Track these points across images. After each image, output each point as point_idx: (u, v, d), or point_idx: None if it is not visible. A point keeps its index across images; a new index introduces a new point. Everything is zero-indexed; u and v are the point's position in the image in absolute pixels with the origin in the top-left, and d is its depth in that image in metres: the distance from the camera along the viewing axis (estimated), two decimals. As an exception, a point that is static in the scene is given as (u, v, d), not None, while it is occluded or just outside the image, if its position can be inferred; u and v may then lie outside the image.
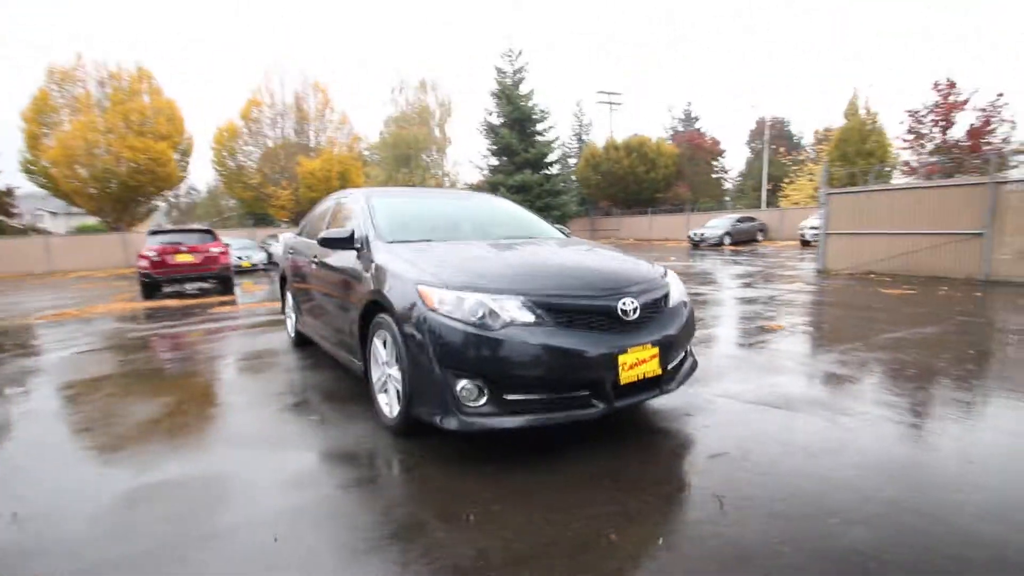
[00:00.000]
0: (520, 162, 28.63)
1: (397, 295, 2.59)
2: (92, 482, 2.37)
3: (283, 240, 5.53)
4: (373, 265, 3.00)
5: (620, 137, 31.19)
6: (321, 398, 3.49)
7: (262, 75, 26.03)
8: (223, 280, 11.39)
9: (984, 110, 15.46)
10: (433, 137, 42.43)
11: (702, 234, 21.83)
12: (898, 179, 18.35)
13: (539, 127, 29.76)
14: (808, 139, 46.03)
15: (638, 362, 2.47)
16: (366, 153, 38.68)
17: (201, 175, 59.89)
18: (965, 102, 15.78)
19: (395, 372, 2.71)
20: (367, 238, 3.25)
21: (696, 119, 50.55)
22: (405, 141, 40.53)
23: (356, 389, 3.61)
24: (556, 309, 2.39)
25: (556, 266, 2.79)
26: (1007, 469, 2.29)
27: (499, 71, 29.37)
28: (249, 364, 4.57)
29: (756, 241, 23.07)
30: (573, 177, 31.87)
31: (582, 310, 2.44)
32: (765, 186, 30.68)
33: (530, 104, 28.92)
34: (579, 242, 3.74)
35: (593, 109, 78.22)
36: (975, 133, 15.52)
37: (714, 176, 37.43)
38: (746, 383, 3.54)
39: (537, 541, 1.82)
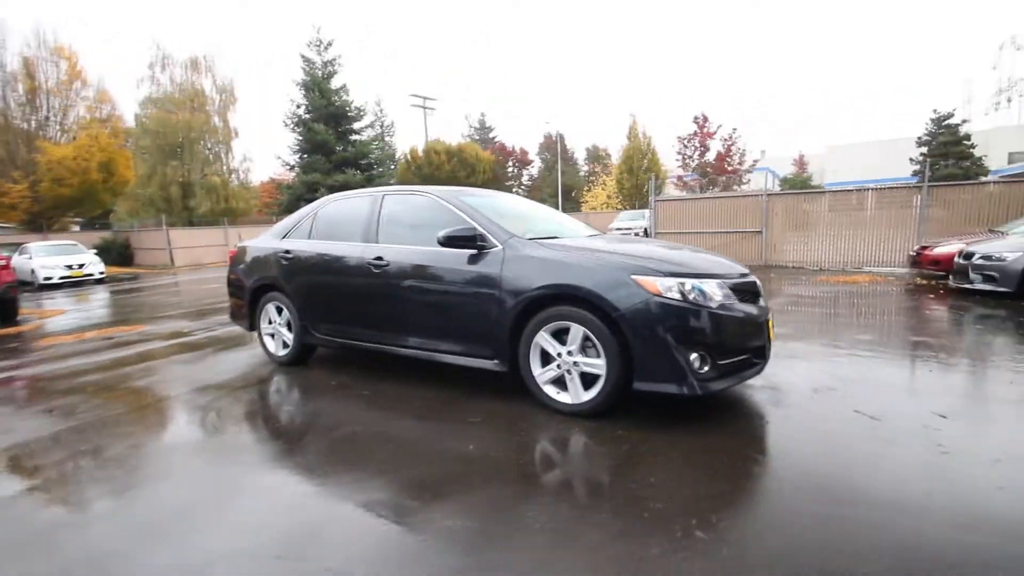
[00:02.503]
0: (338, 161, 27.06)
1: (606, 286, 2.82)
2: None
3: (261, 246, 4.68)
4: (525, 261, 3.10)
5: (421, 142, 31.62)
6: (441, 404, 3.34)
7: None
8: (4, 304, 8.39)
9: (726, 140, 21.12)
10: (213, 126, 36.50)
11: (527, 235, 24.07)
12: (670, 190, 23.24)
13: (355, 125, 28.54)
14: (580, 154, 54.12)
15: (771, 326, 3.22)
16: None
17: None
18: (714, 133, 21.29)
19: (584, 359, 2.93)
20: (491, 236, 3.30)
21: (490, 128, 54.53)
22: (174, 128, 33.91)
23: (465, 388, 3.53)
24: (734, 287, 2.97)
25: (701, 255, 3.34)
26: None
27: (306, 60, 27.14)
28: (295, 388, 3.90)
29: (567, 240, 26.41)
30: (392, 181, 31.36)
31: (745, 288, 3.07)
32: (560, 193, 35.11)
33: (345, 99, 27.51)
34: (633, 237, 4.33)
35: (395, 111, 77.59)
36: (721, 157, 21.04)
37: (521, 183, 41.12)
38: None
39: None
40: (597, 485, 2.27)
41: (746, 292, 3.09)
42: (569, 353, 2.97)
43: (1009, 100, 27.67)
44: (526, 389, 3.18)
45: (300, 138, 27.60)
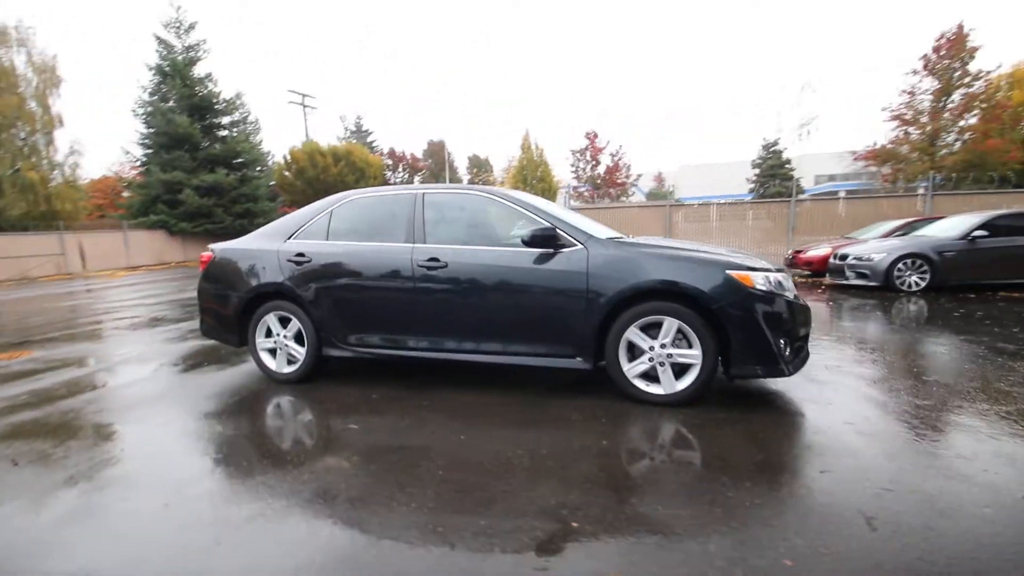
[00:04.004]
0: (205, 158, 24.06)
1: (706, 281, 3.01)
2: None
3: (256, 248, 4.06)
4: (615, 260, 3.19)
5: (291, 144, 29.20)
6: (520, 408, 3.26)
7: None
8: None
9: (614, 155, 23.06)
10: (28, 111, 29.90)
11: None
12: (560, 200, 24.62)
13: (224, 120, 25.63)
14: (461, 162, 54.67)
15: (804, 315, 3.70)
16: None
17: None
18: (603, 148, 23.10)
19: (677, 351, 3.10)
20: (568, 236, 3.33)
21: (369, 132, 52.48)
22: (-29, 112, 27.19)
23: (525, 390, 3.49)
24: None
25: (744, 253, 3.69)
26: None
27: (163, 43, 23.74)
28: (333, 406, 3.44)
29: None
30: (273, 181, 28.58)
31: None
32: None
33: (212, 89, 24.57)
34: None
35: (259, 111, 70.61)
36: (610, 170, 22.90)
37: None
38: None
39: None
40: (760, 462, 2.43)
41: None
42: (662, 346, 3.12)
43: (808, 132, 34.62)
44: (591, 384, 3.28)
45: (153, 130, 23.98)
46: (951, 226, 8.69)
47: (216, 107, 24.87)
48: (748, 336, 3.00)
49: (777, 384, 3.55)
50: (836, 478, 2.26)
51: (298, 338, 3.91)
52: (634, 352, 3.21)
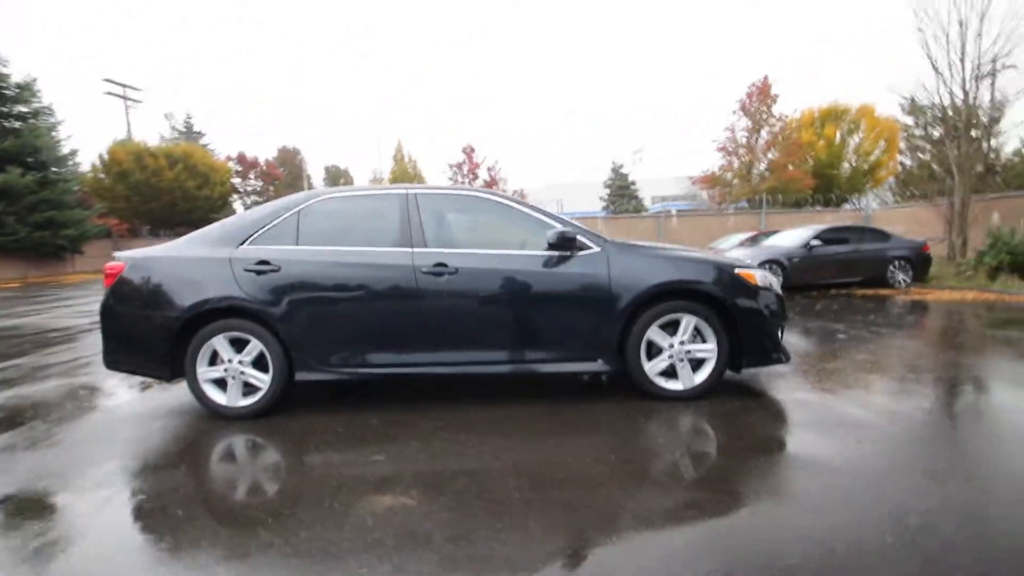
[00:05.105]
0: (-13, 155, 18.95)
1: (720, 280, 3.22)
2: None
3: (197, 256, 3.26)
4: (634, 262, 3.26)
5: (112, 143, 24.53)
6: (534, 418, 3.11)
7: None
8: None
9: (490, 170, 23.64)
10: None
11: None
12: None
13: (16, 108, 20.59)
14: (317, 171, 51.43)
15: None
16: None
17: None
18: (480, 164, 23.56)
19: (694, 346, 3.26)
20: (583, 238, 3.31)
21: (200, 133, 46.37)
22: None
23: (521, 398, 3.35)
24: None
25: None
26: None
27: (-81, 5, 18.23)
28: (351, 440, 2.86)
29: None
30: (77, 186, 23.43)
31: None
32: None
33: (2, 71, 19.57)
34: None
35: (60, 104, 57.52)
36: (488, 185, 23.37)
37: (267, 198, 36.28)
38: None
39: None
40: (806, 439, 2.65)
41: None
42: (681, 343, 3.24)
43: (641, 159, 39.95)
44: (593, 386, 3.30)
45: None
46: (792, 237, 10.53)
47: (5, 92, 19.83)
48: (756, 329, 3.27)
49: (751, 375, 3.91)
50: (872, 444, 2.55)
51: (260, 363, 3.26)
52: (651, 351, 3.28)
